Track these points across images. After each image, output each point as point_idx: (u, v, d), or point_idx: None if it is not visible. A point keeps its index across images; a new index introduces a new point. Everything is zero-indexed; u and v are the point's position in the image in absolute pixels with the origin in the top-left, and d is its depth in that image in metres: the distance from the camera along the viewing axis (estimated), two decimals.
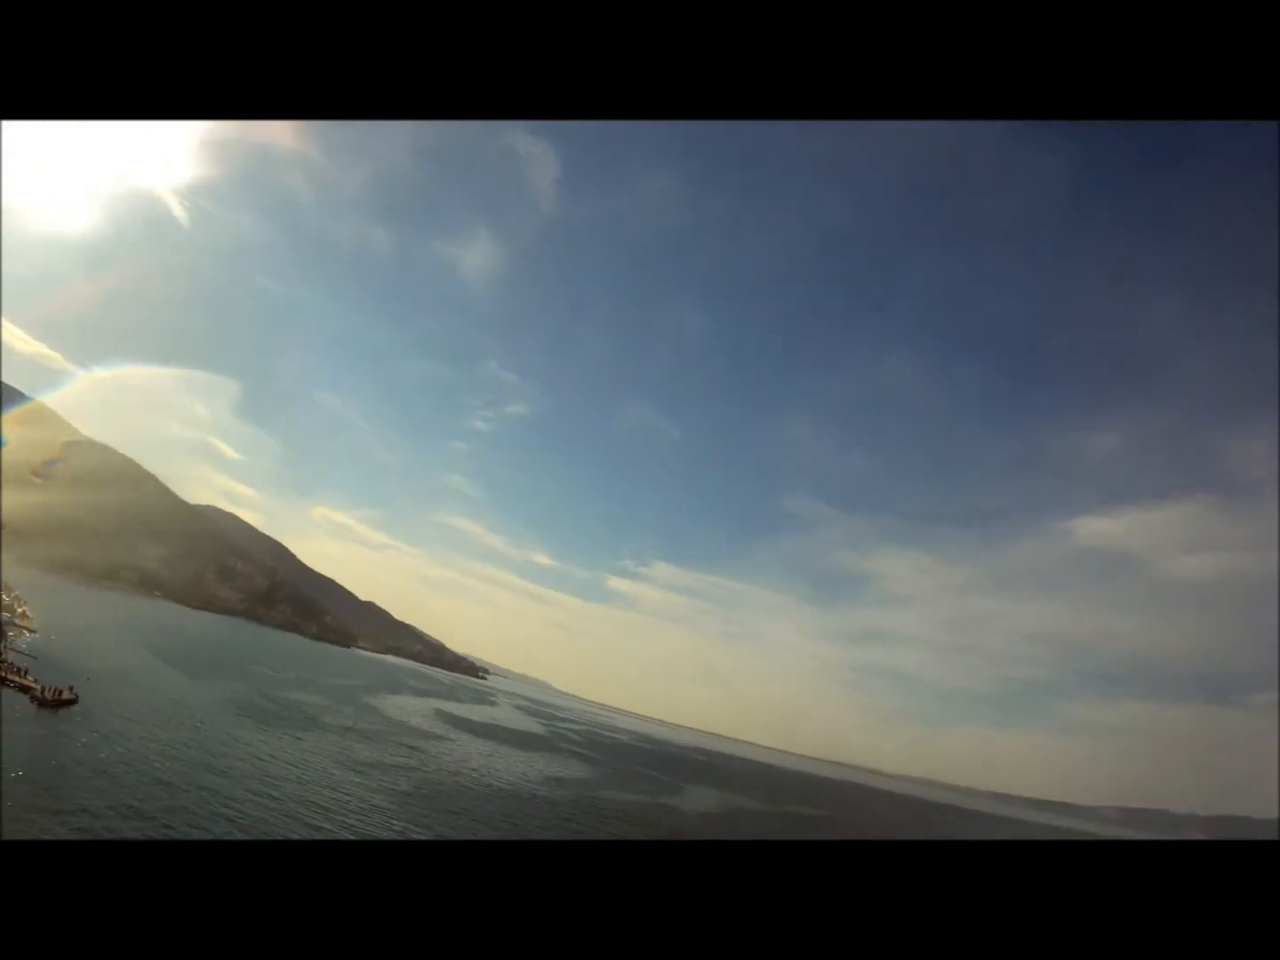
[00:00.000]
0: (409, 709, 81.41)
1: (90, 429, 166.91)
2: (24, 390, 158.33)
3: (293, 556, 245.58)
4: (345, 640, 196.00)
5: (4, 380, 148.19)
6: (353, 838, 38.47)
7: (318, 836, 37.03)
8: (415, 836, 39.89)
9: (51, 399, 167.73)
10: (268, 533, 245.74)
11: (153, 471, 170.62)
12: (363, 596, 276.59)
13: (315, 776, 39.30)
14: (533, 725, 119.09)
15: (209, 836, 31.00)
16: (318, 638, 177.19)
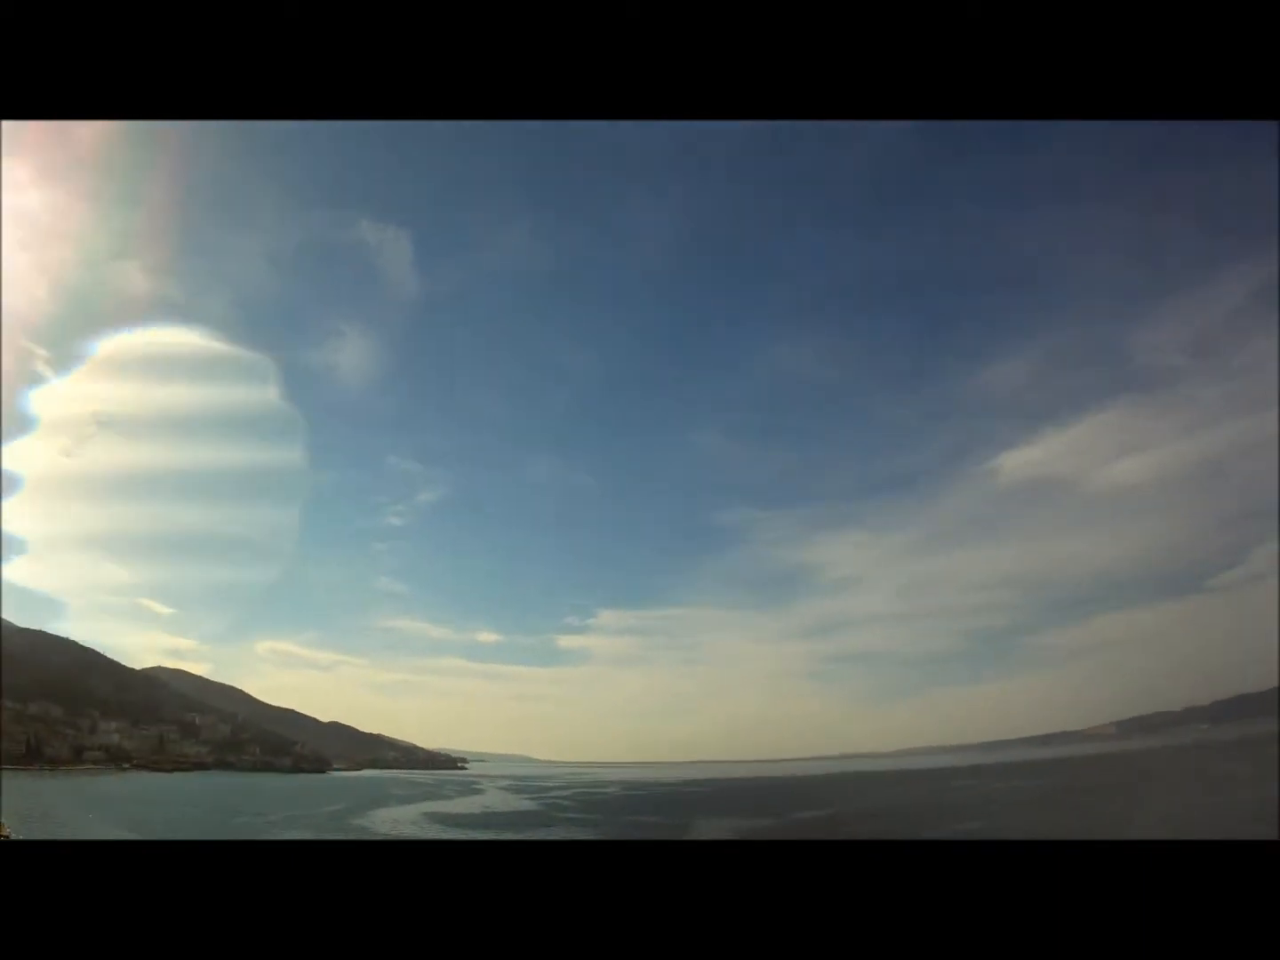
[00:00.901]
0: (398, 819, 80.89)
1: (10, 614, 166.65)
2: None
3: (248, 696, 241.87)
4: (320, 766, 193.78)
5: None
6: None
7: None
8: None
9: None
10: (218, 680, 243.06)
11: (91, 645, 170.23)
12: (325, 719, 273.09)
13: None
14: (524, 803, 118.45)
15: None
16: (293, 770, 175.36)
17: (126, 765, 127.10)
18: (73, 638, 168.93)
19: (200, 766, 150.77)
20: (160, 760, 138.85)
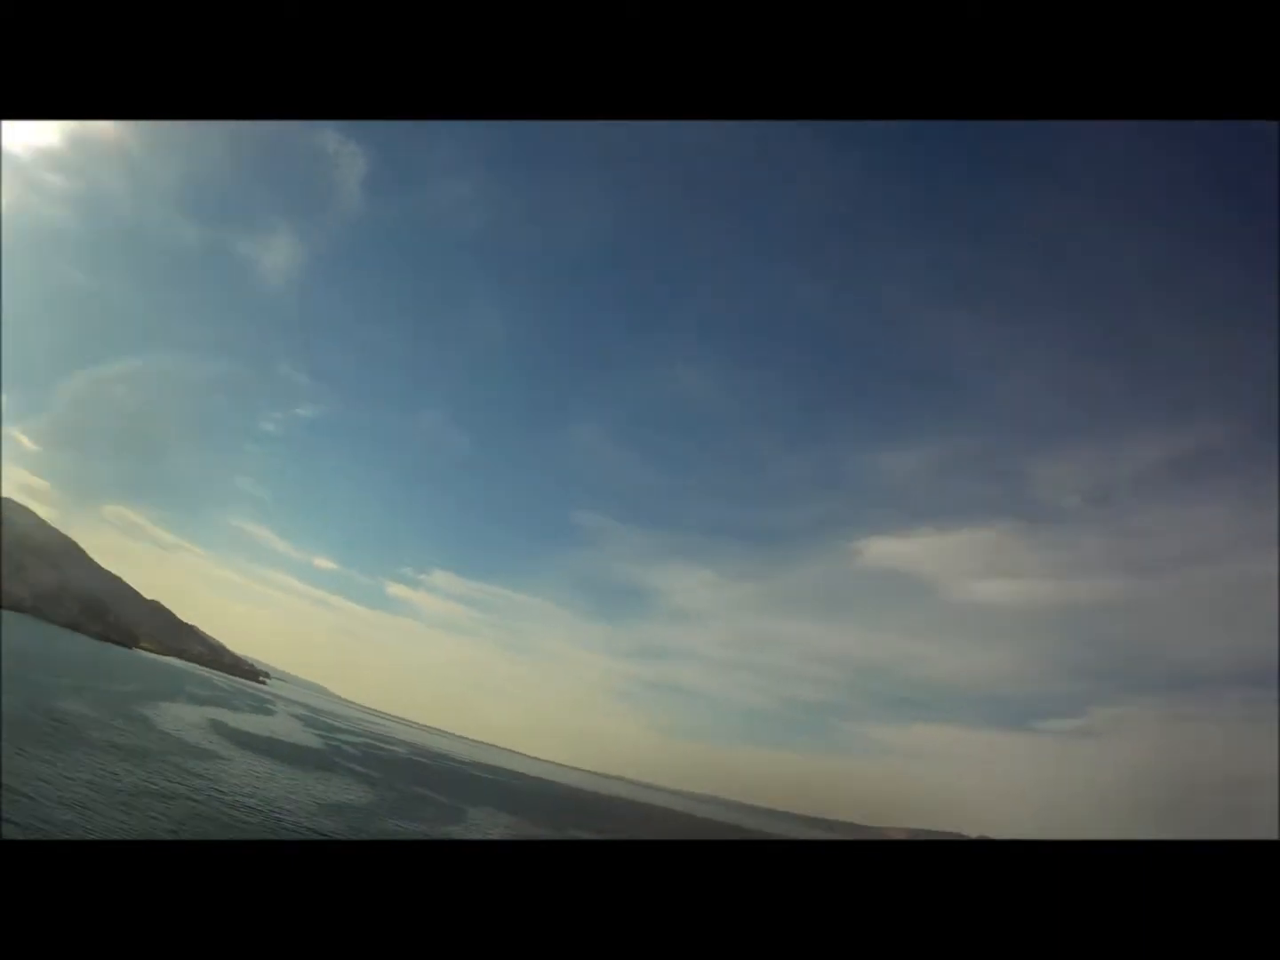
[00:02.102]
0: (183, 720, 78.00)
1: None
2: None
3: (82, 554, 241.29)
4: (128, 640, 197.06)
5: None
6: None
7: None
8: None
9: None
10: (61, 528, 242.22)
11: None
12: (148, 596, 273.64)
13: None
14: (310, 739, 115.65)
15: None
16: (101, 637, 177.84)
17: None
18: None
19: (17, 608, 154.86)
20: None
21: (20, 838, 22.58)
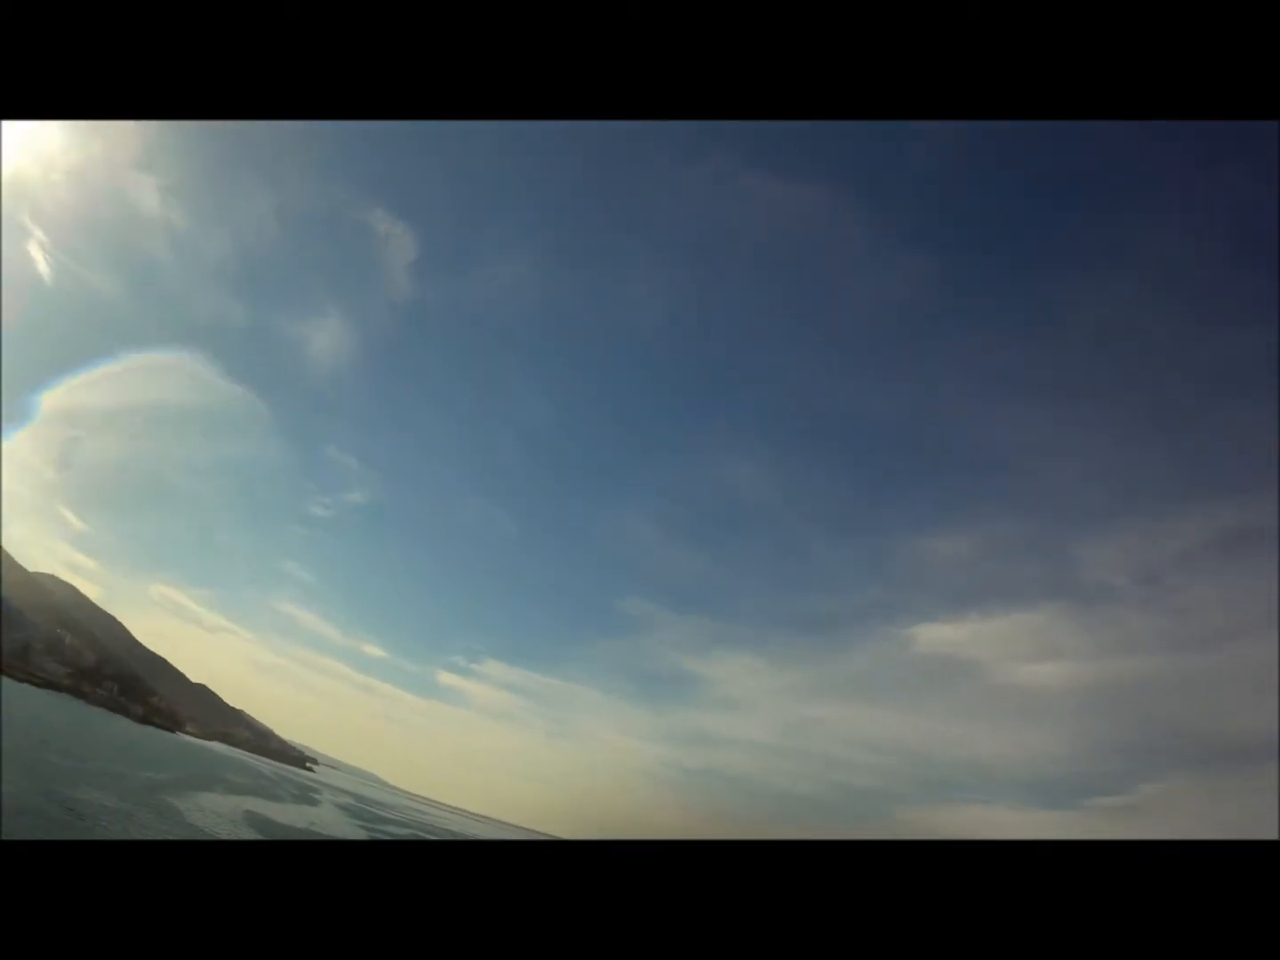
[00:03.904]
0: (216, 811, 72.64)
1: None
2: None
3: (127, 633, 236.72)
4: (172, 724, 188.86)
5: None
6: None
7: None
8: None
9: None
10: (105, 607, 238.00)
11: None
12: (194, 678, 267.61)
13: None
14: (353, 831, 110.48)
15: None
16: (143, 720, 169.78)
17: None
18: None
19: (53, 686, 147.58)
20: (14, 667, 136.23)
21: (20, 838, 21.58)
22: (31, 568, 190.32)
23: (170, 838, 47.32)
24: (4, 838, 20.59)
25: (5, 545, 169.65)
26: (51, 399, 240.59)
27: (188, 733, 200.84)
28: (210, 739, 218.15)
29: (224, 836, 57.15)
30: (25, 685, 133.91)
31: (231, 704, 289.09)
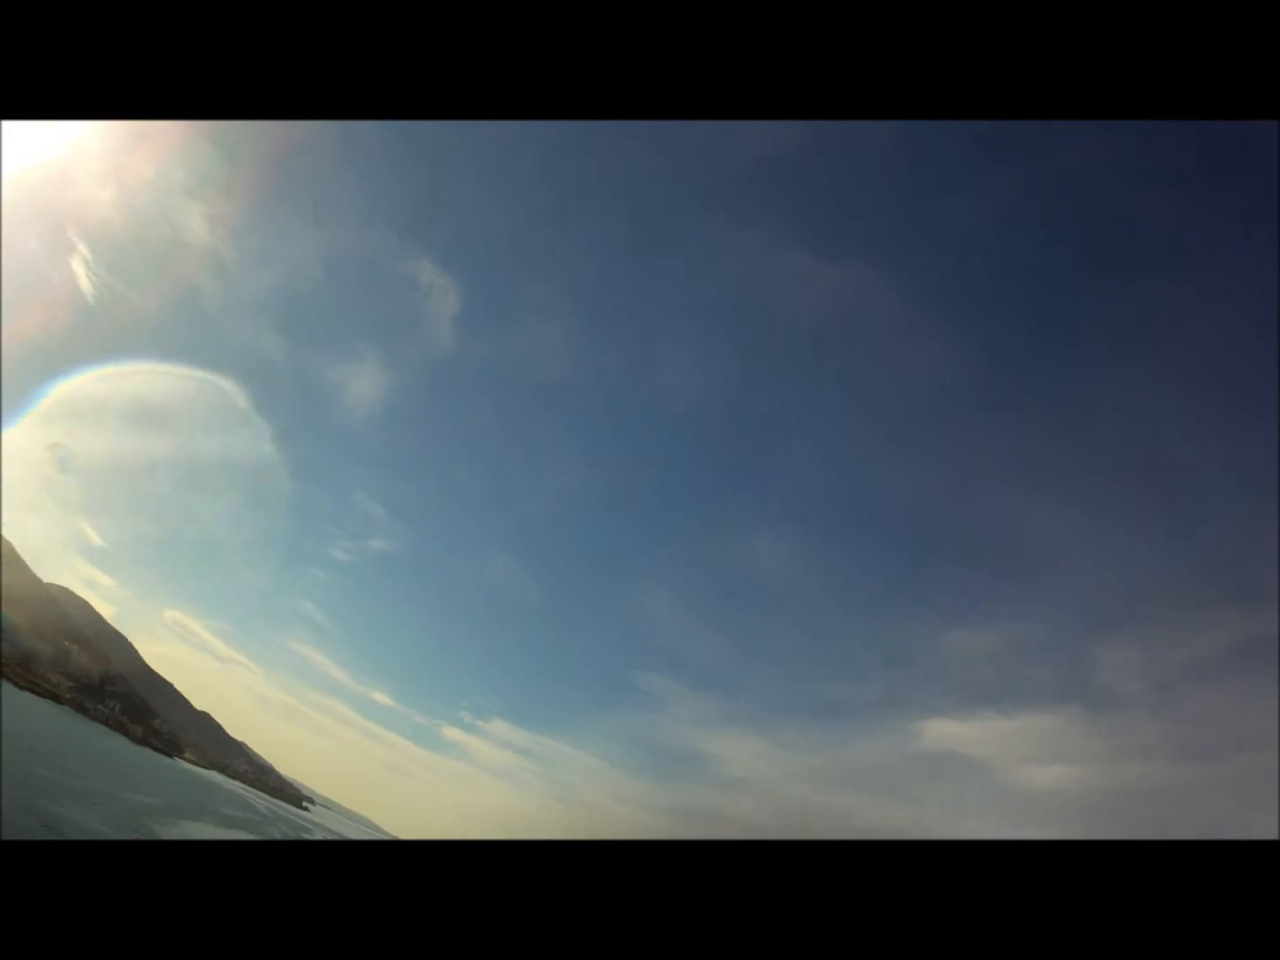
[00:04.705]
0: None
1: None
2: None
3: (136, 655, 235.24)
4: (170, 749, 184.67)
5: None
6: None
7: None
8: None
9: None
10: (118, 626, 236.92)
11: (9, 538, 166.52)
12: (199, 706, 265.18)
13: None
14: None
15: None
16: (141, 742, 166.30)
17: None
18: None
19: (54, 697, 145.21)
20: (19, 675, 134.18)
21: (20, 838, 22.22)
22: (46, 578, 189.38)
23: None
24: (4, 838, 20.64)
25: (22, 554, 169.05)
26: (77, 408, 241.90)
27: (186, 759, 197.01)
28: (209, 768, 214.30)
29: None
30: (26, 694, 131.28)
31: (234, 735, 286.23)
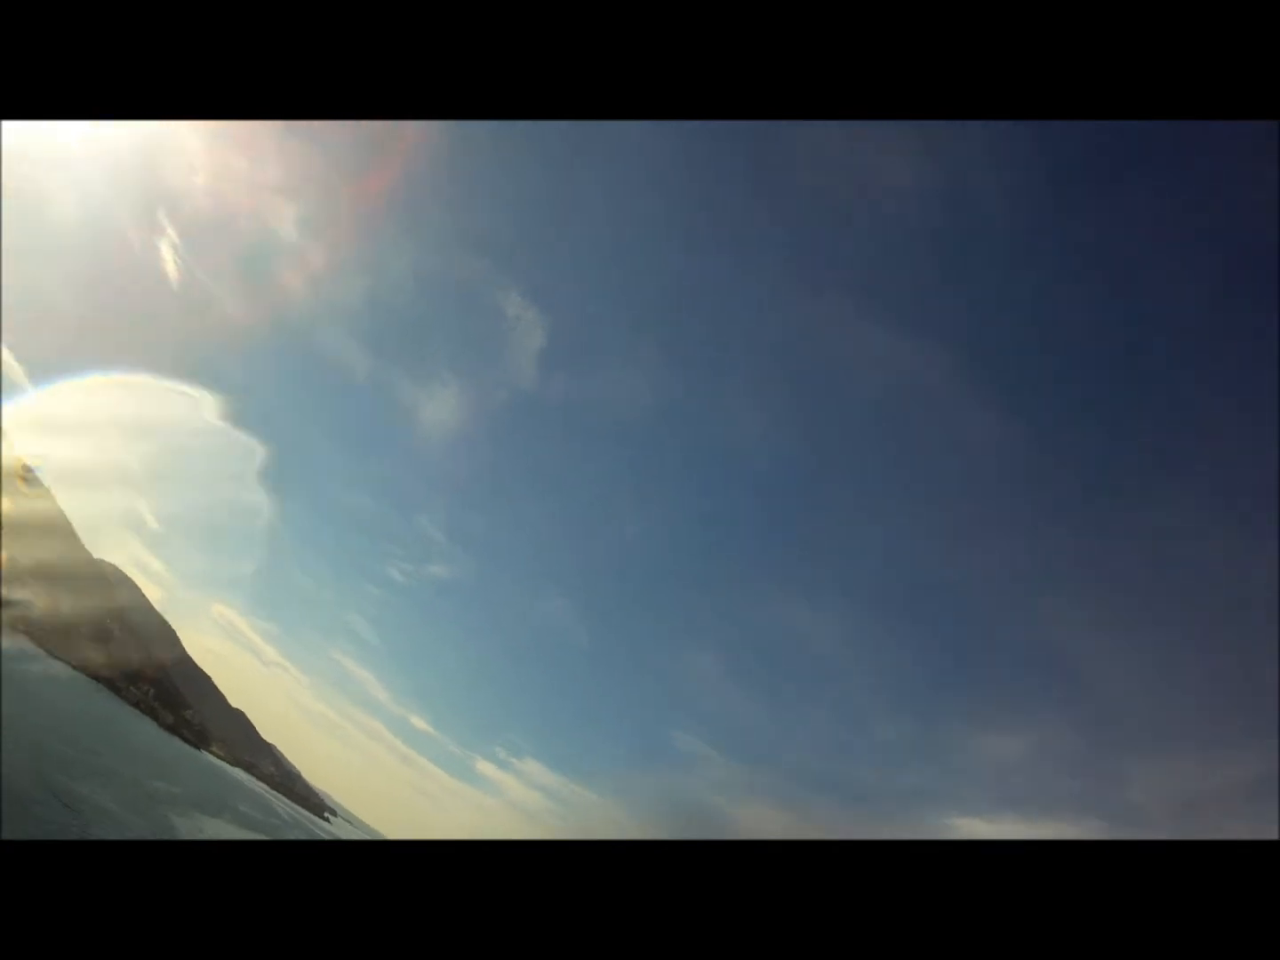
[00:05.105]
0: (216, 839, 64.89)
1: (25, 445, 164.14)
2: None
3: (179, 643, 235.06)
4: (199, 741, 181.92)
5: None
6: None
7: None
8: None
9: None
10: (163, 612, 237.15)
11: (65, 509, 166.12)
12: (234, 703, 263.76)
13: None
14: None
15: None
16: (170, 730, 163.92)
17: (20, 628, 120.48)
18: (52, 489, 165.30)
19: (89, 673, 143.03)
20: (57, 644, 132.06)
21: (20, 838, 21.37)
22: (97, 554, 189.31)
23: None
24: (4, 837, 20.34)
25: (74, 524, 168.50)
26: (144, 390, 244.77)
27: (213, 753, 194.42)
28: (234, 765, 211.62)
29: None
30: (60, 664, 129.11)
31: (265, 737, 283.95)
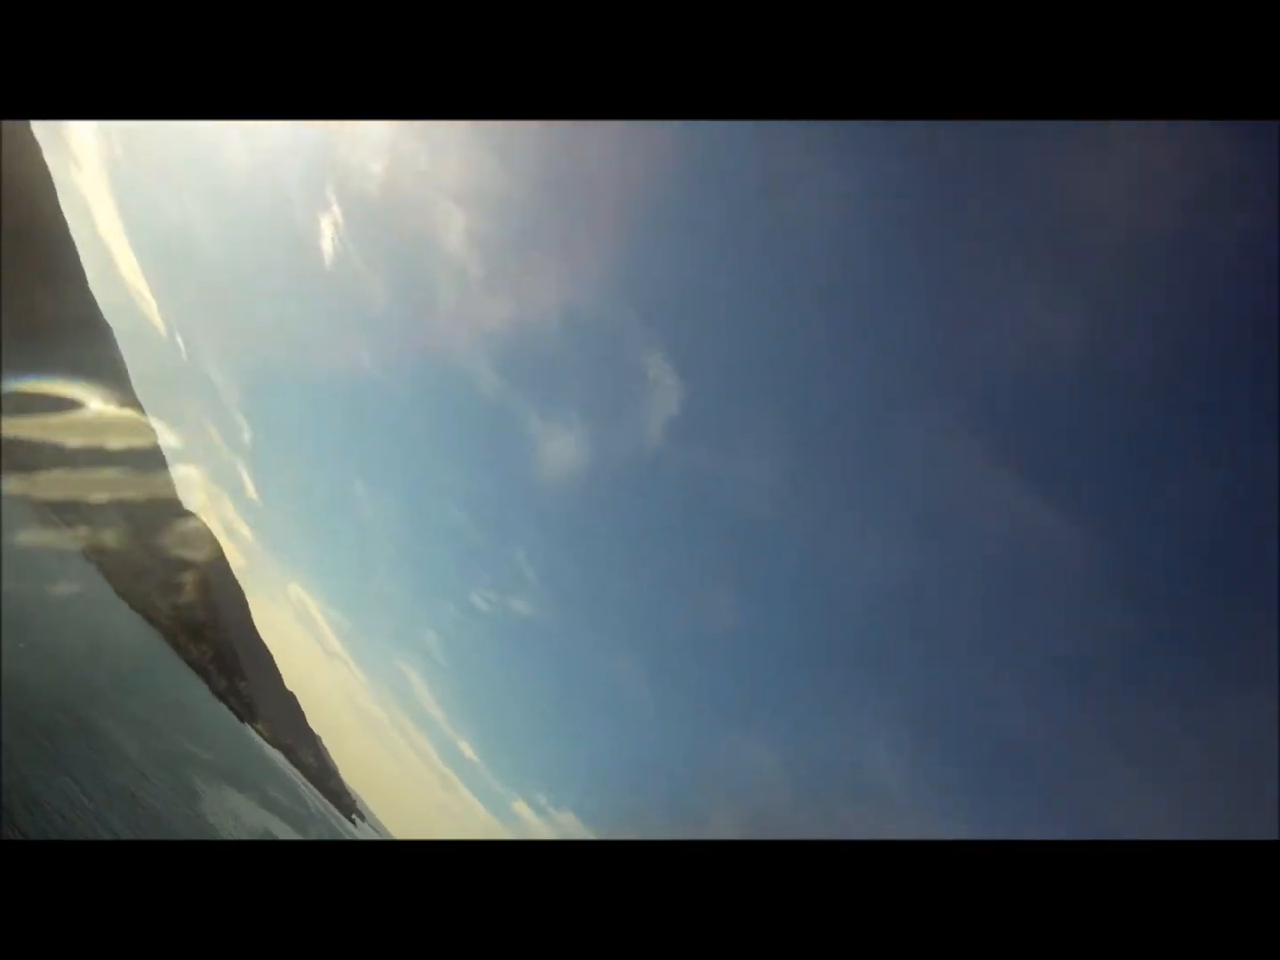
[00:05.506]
0: (235, 813, 60.05)
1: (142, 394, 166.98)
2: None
3: (247, 613, 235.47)
4: (245, 714, 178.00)
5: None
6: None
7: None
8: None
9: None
10: (240, 579, 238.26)
11: (167, 456, 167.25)
12: (288, 684, 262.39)
13: None
14: None
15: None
16: (220, 697, 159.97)
17: (93, 560, 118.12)
18: (160, 439, 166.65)
19: (150, 619, 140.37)
20: (125, 583, 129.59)
21: (20, 838, 19.79)
22: (189, 506, 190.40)
23: (170, 823, 37.60)
24: (4, 837, 18.66)
25: (172, 474, 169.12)
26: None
27: (256, 730, 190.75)
28: (275, 747, 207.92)
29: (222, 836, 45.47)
30: (123, 603, 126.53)
31: (312, 726, 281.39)
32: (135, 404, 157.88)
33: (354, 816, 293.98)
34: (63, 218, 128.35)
